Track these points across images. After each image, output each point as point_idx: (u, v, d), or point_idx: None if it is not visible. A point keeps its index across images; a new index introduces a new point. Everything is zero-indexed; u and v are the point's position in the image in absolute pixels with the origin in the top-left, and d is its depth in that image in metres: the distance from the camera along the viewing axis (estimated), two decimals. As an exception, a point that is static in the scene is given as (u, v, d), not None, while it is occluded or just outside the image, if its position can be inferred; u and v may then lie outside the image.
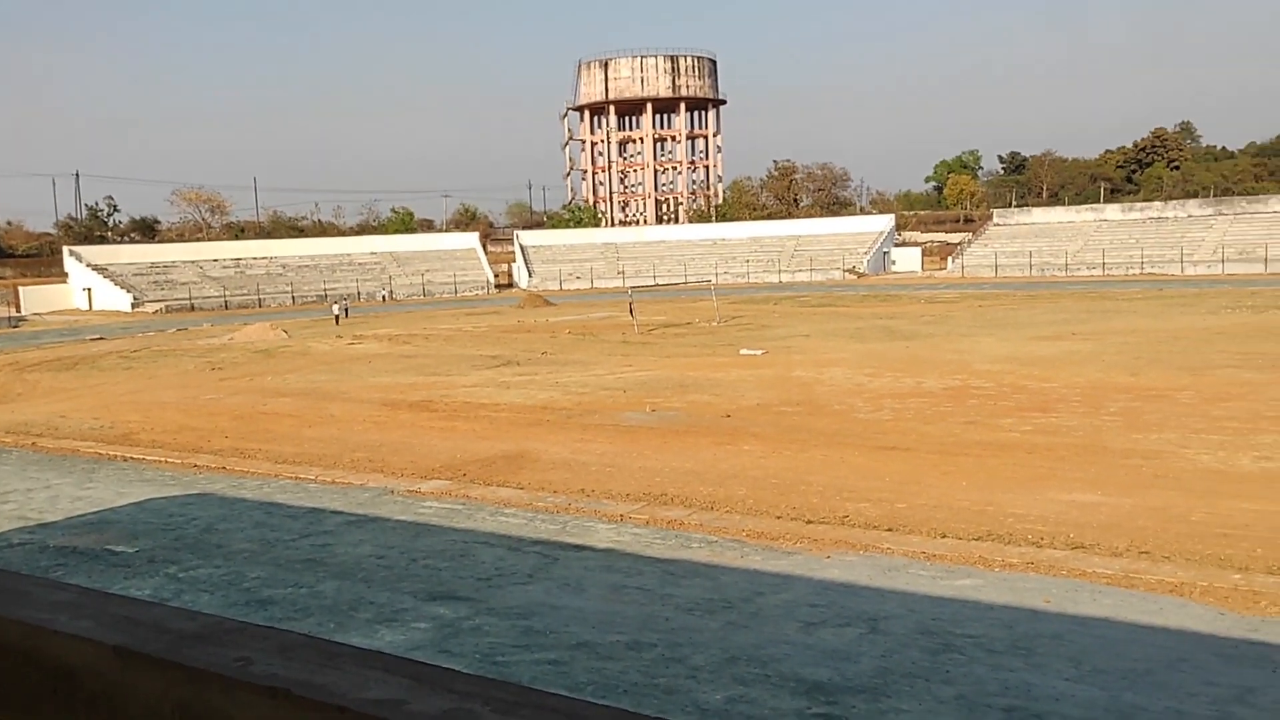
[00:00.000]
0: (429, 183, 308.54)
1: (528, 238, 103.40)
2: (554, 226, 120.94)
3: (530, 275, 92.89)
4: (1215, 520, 11.79)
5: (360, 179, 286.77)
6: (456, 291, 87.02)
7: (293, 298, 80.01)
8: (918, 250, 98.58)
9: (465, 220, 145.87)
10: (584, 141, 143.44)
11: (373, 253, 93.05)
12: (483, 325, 49.49)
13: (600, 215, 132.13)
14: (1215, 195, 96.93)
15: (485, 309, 64.30)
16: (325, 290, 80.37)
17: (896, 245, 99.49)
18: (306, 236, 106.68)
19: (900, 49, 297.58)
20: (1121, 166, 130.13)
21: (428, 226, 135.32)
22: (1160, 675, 7.51)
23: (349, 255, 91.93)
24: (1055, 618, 8.86)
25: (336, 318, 55.22)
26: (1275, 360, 25.82)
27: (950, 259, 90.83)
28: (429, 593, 10.13)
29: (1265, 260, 73.95)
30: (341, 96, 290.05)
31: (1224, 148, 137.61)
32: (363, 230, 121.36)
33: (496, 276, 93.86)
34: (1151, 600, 9.20)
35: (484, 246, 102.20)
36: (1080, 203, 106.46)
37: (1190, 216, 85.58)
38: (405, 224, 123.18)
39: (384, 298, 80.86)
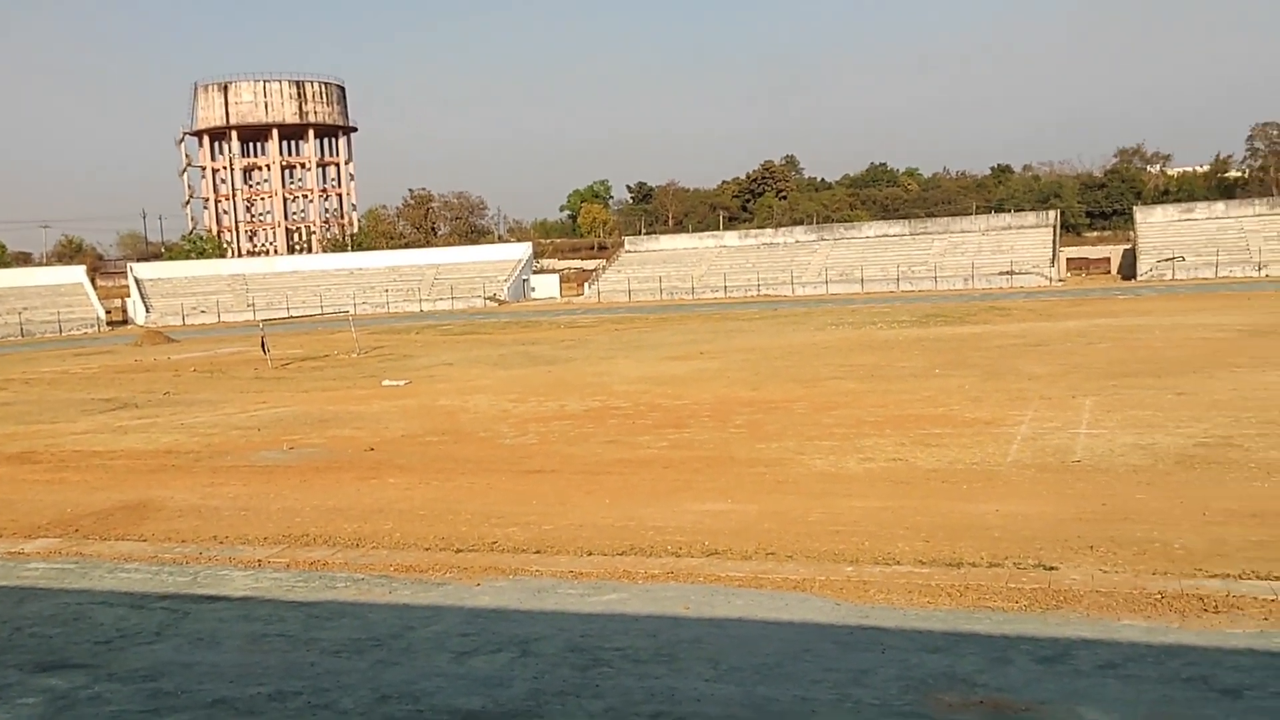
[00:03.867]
0: (23, 212, 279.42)
1: (144, 270, 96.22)
2: (174, 258, 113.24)
3: (148, 310, 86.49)
4: (829, 519, 12.88)
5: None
6: (61, 330, 79.40)
7: None
8: (556, 277, 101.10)
9: (69, 253, 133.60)
10: (204, 168, 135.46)
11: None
12: (94, 366, 45.41)
13: (225, 245, 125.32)
14: (818, 223, 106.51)
15: (96, 348, 59.06)
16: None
17: (535, 273, 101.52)
18: None
19: (532, 80, 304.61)
20: (737, 196, 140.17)
21: (24, 260, 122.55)
22: (788, 667, 8.08)
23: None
24: (695, 623, 9.32)
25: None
26: (872, 371, 28.71)
27: (587, 285, 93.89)
28: (37, 664, 9.09)
29: (861, 281, 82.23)
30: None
31: (823, 179, 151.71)
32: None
33: (109, 313, 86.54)
34: (778, 598, 9.88)
35: (93, 281, 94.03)
36: (702, 230, 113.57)
37: (798, 242, 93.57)
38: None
39: (-29, 340, 72.28)
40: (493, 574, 11.19)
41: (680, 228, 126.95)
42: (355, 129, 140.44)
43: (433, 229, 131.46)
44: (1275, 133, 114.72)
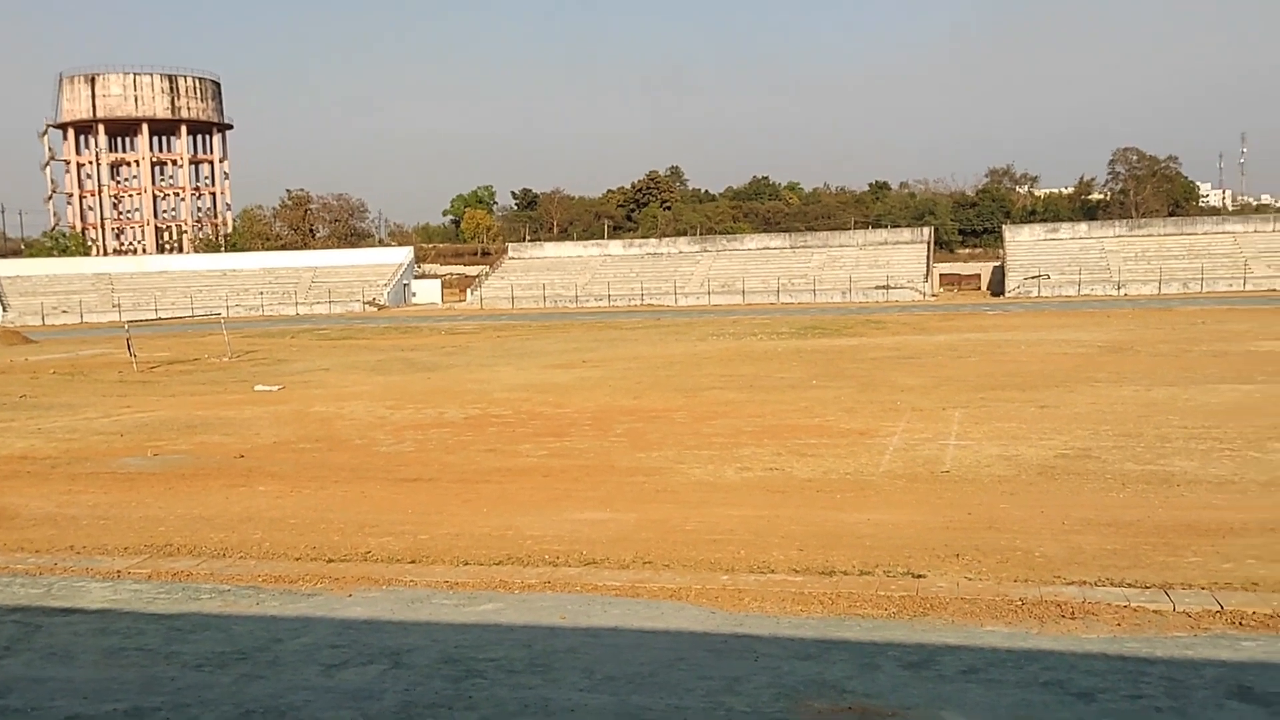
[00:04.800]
0: None
1: (2, 267, 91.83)
2: (34, 255, 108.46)
3: (5, 309, 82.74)
4: (706, 528, 12.98)
5: None
6: (-91, 330, 75.14)
7: None
8: (438, 282, 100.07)
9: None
10: (69, 162, 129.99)
11: None
12: (-55, 366, 43.12)
13: (90, 243, 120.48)
14: (701, 234, 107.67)
15: (-51, 348, 56.04)
16: None
17: (417, 277, 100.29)
18: None
19: (416, 83, 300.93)
20: (622, 205, 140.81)
21: None
22: (662, 676, 8.10)
23: None
24: (570, 632, 9.28)
25: None
26: (751, 381, 29.10)
27: (469, 291, 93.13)
28: None
29: (743, 292, 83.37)
30: None
31: (707, 191, 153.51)
32: None
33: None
34: (655, 607, 9.91)
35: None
36: (587, 238, 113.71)
37: (681, 253, 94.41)
38: None
39: None
40: (365, 584, 10.96)
41: (565, 235, 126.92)
42: (231, 126, 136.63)
43: (311, 231, 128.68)
44: (1135, 158, 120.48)
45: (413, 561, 11.79)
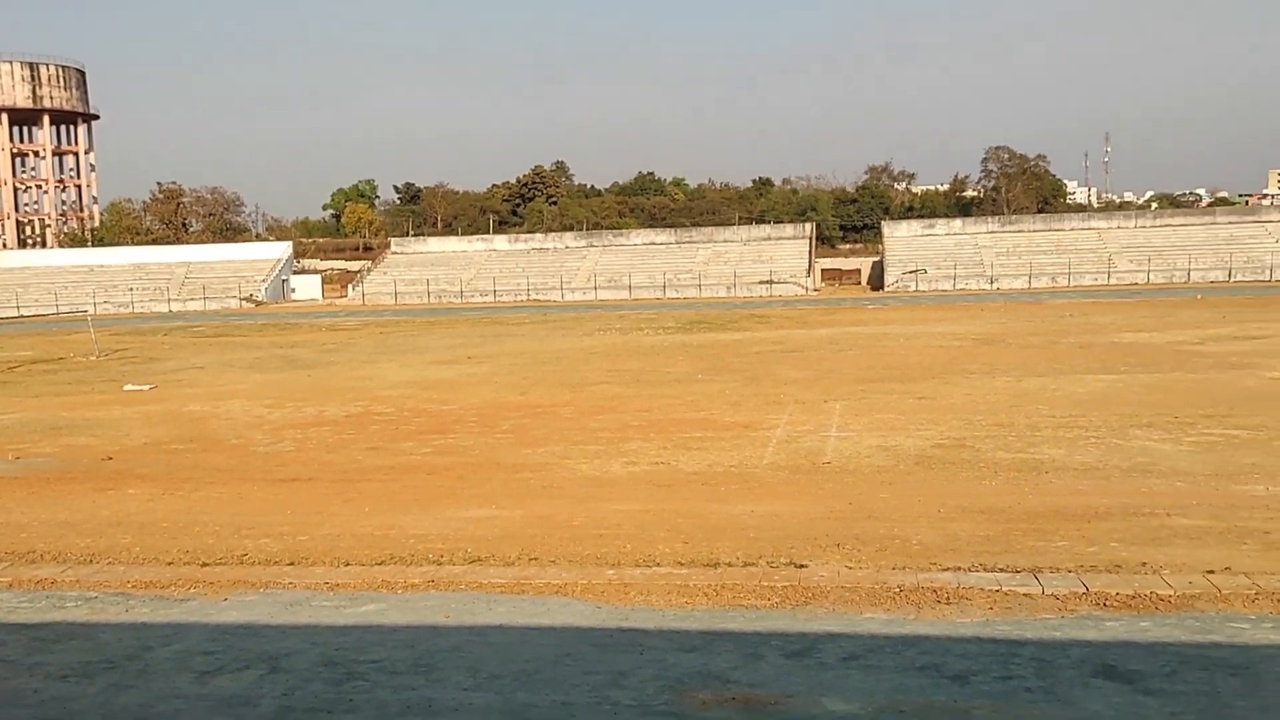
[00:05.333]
0: None
1: None
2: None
3: None
4: (593, 523, 12.98)
5: None
6: None
7: None
8: (318, 278, 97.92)
9: None
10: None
11: None
12: None
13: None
14: (587, 229, 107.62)
15: None
16: None
17: (296, 273, 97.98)
18: None
19: (292, 74, 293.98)
20: (507, 200, 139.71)
21: None
22: (548, 672, 8.06)
23: None
24: (454, 631, 9.17)
25: None
26: (637, 375, 29.21)
27: (351, 287, 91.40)
28: None
29: (630, 287, 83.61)
30: None
31: (593, 186, 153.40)
32: None
33: None
34: (540, 603, 9.86)
35: None
36: (472, 233, 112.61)
37: (568, 248, 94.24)
38: None
39: None
40: (241, 588, 10.65)
41: (449, 230, 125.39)
42: (97, 117, 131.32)
43: (184, 225, 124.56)
44: (1006, 156, 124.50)
45: (291, 563, 11.51)
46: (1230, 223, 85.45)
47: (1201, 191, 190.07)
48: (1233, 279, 74.80)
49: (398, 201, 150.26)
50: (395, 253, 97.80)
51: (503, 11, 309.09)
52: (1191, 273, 75.99)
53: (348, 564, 11.40)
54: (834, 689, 7.54)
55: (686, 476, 15.73)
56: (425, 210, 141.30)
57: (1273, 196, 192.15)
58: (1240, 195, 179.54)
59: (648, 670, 8.03)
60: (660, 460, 17.02)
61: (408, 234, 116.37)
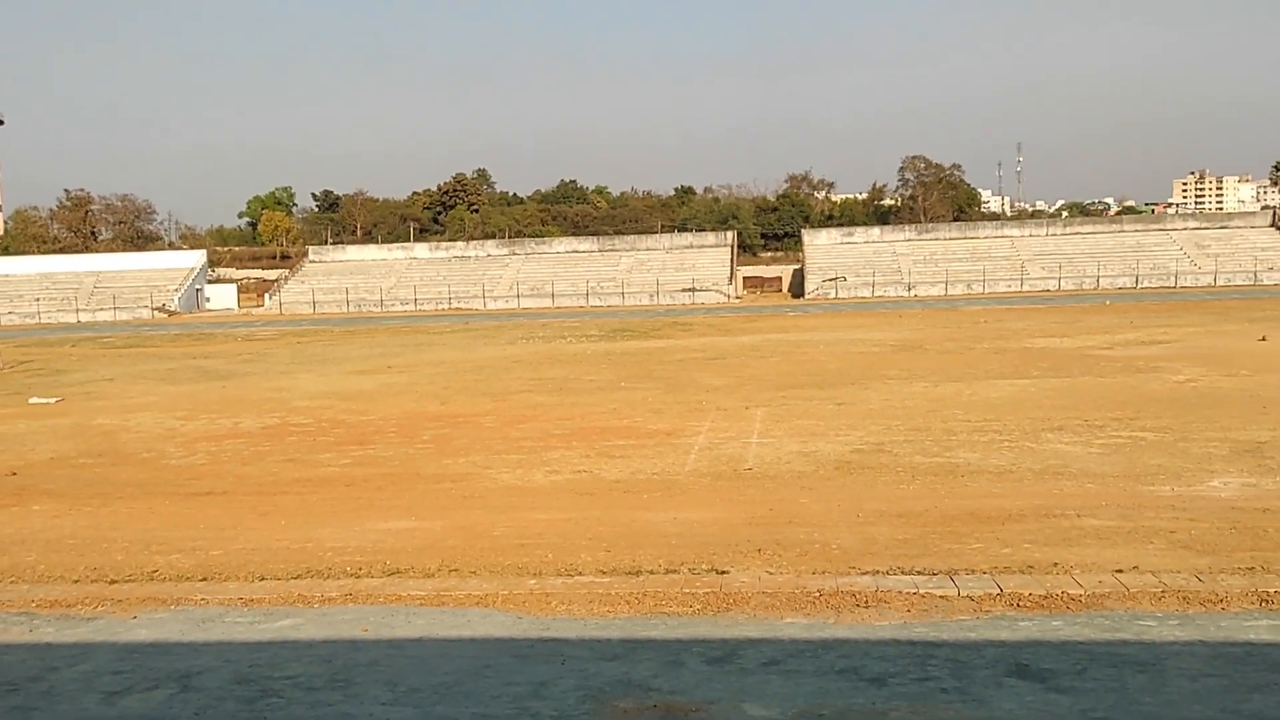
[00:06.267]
0: None
1: None
2: None
3: None
4: (514, 533, 12.88)
5: None
6: None
7: None
8: (234, 287, 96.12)
9: None
10: None
11: None
12: None
13: None
14: (509, 237, 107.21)
15: None
16: None
17: (211, 282, 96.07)
18: None
19: (207, 81, 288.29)
20: (428, 208, 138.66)
21: None
22: (468, 685, 7.97)
23: None
24: (373, 645, 9.03)
25: None
26: (560, 384, 29.13)
27: (268, 296, 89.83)
28: None
29: (552, 295, 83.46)
30: None
31: (515, 194, 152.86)
32: None
33: None
34: (461, 615, 9.76)
35: None
36: (392, 241, 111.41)
37: (490, 256, 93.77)
38: None
39: None
40: (152, 605, 10.37)
41: (369, 238, 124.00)
42: (1, 122, 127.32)
43: (92, 233, 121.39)
44: (922, 165, 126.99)
45: (204, 579, 11.24)
46: (1137, 231, 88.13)
47: (1110, 201, 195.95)
48: (1139, 285, 77.07)
49: (316, 209, 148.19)
50: (313, 261, 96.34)
51: (424, 17, 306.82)
52: (1100, 279, 78.13)
53: (262, 579, 11.16)
54: (754, 695, 7.57)
55: (609, 485, 15.70)
56: (344, 218, 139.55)
57: (1177, 205, 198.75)
58: (1146, 204, 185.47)
59: (569, 680, 7.98)
60: (583, 469, 16.98)
61: (326, 242, 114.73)
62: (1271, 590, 9.42)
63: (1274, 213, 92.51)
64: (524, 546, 12.17)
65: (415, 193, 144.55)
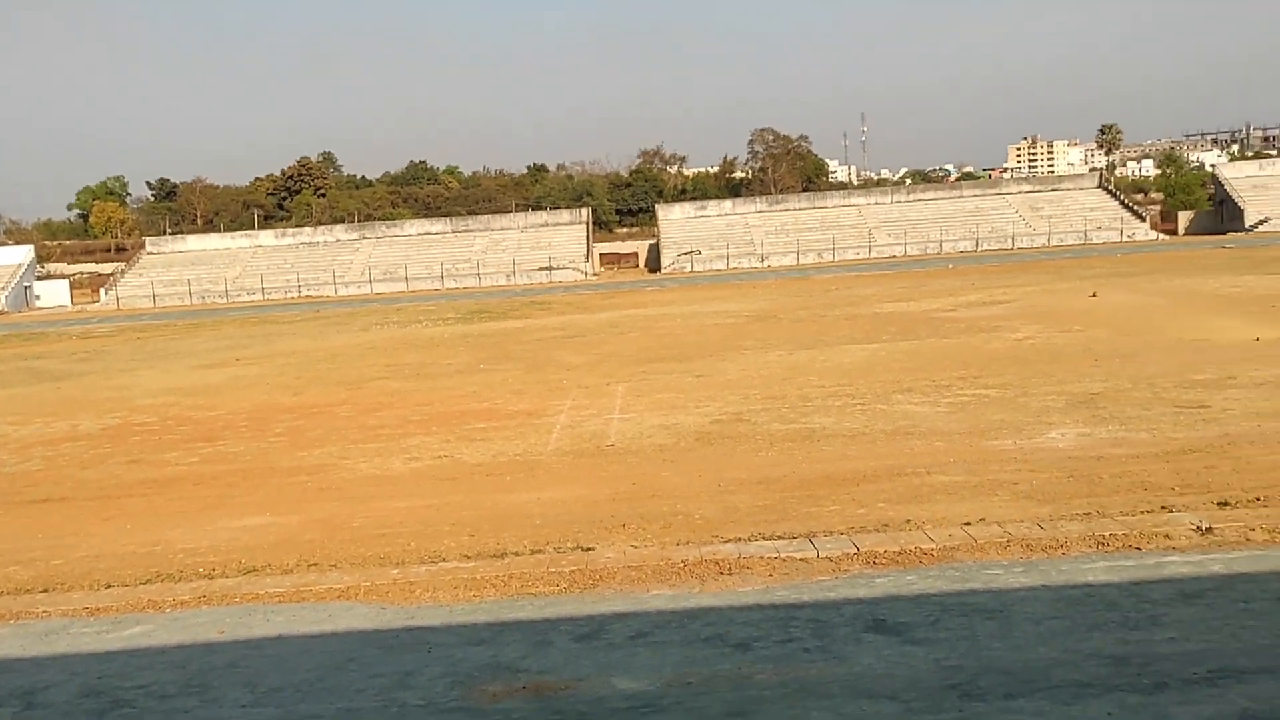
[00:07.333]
0: None
1: None
2: None
3: None
4: (375, 523, 12.65)
5: None
6: None
7: None
8: (66, 283, 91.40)
9: None
10: None
11: None
12: None
13: None
14: (359, 221, 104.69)
15: None
16: None
17: (40, 279, 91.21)
18: None
19: (22, 66, 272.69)
20: (273, 194, 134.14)
21: None
22: (331, 680, 7.80)
23: None
24: (229, 647, 8.74)
25: None
26: (418, 369, 28.68)
27: (104, 291, 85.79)
28: None
29: (406, 279, 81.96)
30: None
31: (364, 176, 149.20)
32: None
33: None
34: (322, 609, 9.53)
35: None
36: (236, 229, 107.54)
37: (339, 241, 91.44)
38: None
39: None
40: (-12, 622, 9.81)
41: (211, 227, 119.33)
42: None
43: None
44: (771, 138, 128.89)
45: (45, 590, 10.70)
46: (976, 196, 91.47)
47: (950, 167, 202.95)
48: (979, 248, 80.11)
49: (152, 198, 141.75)
50: (151, 253, 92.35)
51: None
52: (943, 244, 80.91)
53: (109, 586, 10.68)
54: (623, 668, 7.62)
55: (470, 468, 15.55)
56: (183, 207, 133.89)
57: (1012, 170, 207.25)
58: (984, 170, 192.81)
59: (436, 668, 7.88)
60: (443, 454, 16.77)
61: (165, 233, 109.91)
62: (1106, 534, 9.95)
63: (1100, 174, 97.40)
64: (385, 536, 11.97)
65: (258, 178, 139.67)
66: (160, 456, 18.18)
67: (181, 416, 22.70)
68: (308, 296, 79.57)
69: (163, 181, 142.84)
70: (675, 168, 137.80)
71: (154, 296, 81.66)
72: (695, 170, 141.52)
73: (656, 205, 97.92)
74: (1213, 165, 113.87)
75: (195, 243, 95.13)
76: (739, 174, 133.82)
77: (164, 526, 13.17)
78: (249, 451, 18.16)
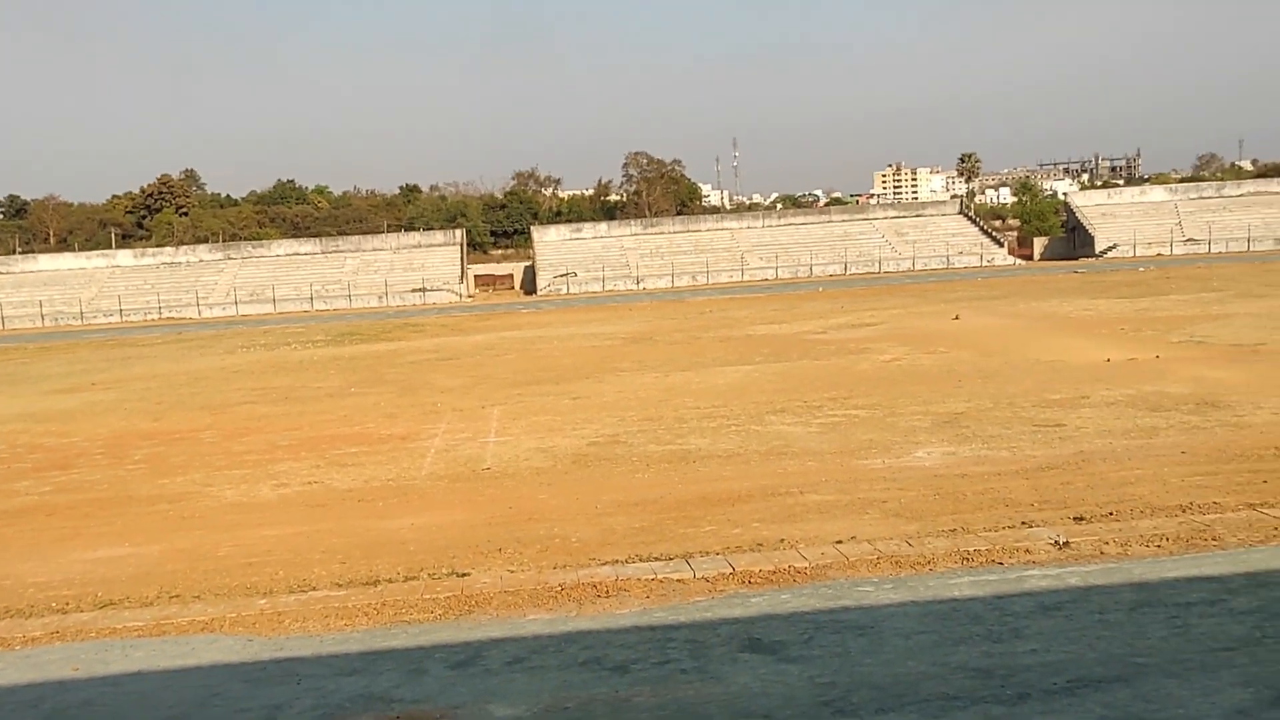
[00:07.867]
0: None
1: None
2: None
3: None
4: (241, 551, 12.25)
5: None
6: None
7: None
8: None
9: None
10: None
11: None
12: None
13: None
14: (224, 240, 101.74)
15: None
16: None
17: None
18: None
19: None
20: (131, 212, 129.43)
21: None
22: (195, 716, 7.50)
23: None
24: (85, 684, 8.34)
25: None
26: (286, 393, 27.94)
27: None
28: None
29: (274, 300, 79.91)
30: None
31: (229, 195, 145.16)
32: None
33: None
34: (184, 643, 9.17)
35: None
36: (91, 248, 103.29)
37: (203, 261, 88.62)
38: None
39: None
40: None
41: (65, 246, 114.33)
42: None
43: None
44: (645, 161, 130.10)
45: (-121, 632, 10.03)
46: (844, 221, 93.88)
47: (819, 192, 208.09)
48: (848, 272, 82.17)
49: (1, 216, 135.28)
50: (1, 273, 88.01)
51: (120, 6, 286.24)
52: (813, 267, 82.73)
53: (-49, 625, 10.08)
54: (499, 695, 7.53)
55: (342, 494, 15.20)
56: (35, 225, 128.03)
57: (878, 196, 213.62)
58: (851, 195, 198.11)
59: (305, 700, 7.66)
60: (313, 480, 16.35)
61: (15, 252, 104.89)
62: (971, 549, 10.27)
63: (961, 201, 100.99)
64: (252, 565, 11.61)
65: (115, 196, 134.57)
66: (9, 486, 17.27)
67: (32, 444, 21.64)
68: (170, 318, 76.87)
69: (12, 198, 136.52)
70: (550, 190, 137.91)
71: (2, 319, 77.82)
72: (570, 192, 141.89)
73: (532, 227, 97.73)
74: (1065, 194, 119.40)
75: (48, 262, 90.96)
76: (614, 197, 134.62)
77: (13, 560, 12.51)
78: (106, 479, 17.41)
